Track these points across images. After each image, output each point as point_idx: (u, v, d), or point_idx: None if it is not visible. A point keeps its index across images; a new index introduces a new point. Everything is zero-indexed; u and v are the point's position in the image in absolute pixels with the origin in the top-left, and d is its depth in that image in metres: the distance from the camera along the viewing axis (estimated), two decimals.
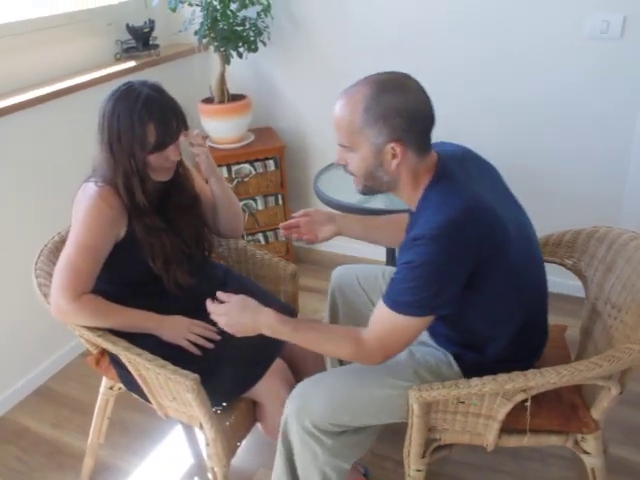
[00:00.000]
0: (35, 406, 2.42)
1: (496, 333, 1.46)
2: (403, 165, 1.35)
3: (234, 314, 1.45)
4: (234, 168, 2.93)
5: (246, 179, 2.96)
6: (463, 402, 1.45)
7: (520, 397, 1.40)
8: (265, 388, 1.65)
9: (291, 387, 1.62)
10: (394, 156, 1.33)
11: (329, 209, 2.24)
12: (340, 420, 1.49)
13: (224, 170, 2.91)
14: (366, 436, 1.58)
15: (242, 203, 2.99)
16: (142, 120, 1.50)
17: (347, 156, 1.40)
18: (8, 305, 2.34)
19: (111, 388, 1.88)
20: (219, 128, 2.92)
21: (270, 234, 3.12)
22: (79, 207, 1.57)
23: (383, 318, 1.36)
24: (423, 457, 1.54)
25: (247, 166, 2.95)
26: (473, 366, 1.49)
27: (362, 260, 3.19)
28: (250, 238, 3.10)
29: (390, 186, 1.41)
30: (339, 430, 1.51)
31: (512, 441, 1.52)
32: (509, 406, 1.41)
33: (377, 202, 2.18)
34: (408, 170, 1.36)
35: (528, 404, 1.42)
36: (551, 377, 1.33)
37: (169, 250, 1.63)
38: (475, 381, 1.37)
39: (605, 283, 1.63)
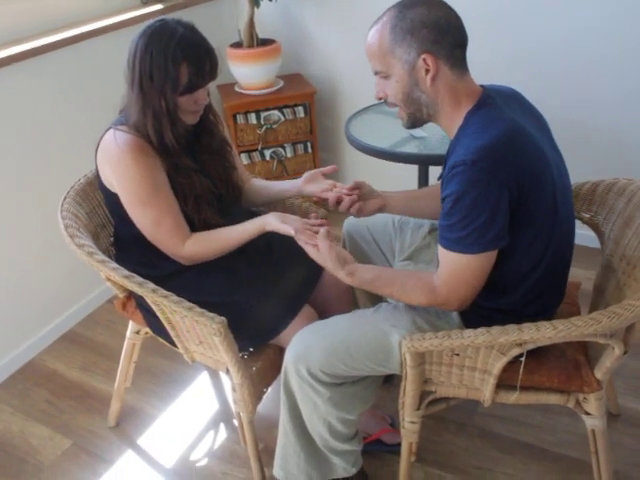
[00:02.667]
0: (63, 350, 2.43)
1: (517, 281, 1.37)
2: (439, 80, 1.29)
3: (328, 253, 1.39)
4: (263, 114, 2.85)
5: (275, 126, 2.88)
6: (458, 354, 1.39)
7: (516, 351, 1.33)
8: (291, 335, 1.61)
9: None
10: (427, 70, 1.28)
11: (360, 156, 2.17)
12: (335, 369, 1.44)
13: (252, 116, 2.84)
14: (364, 387, 1.54)
15: (271, 150, 2.93)
16: (176, 59, 1.43)
17: (384, 85, 1.36)
18: (35, 249, 2.33)
19: (137, 332, 1.86)
20: (248, 73, 2.83)
21: None
22: (117, 163, 1.50)
23: (444, 260, 1.30)
24: (418, 409, 1.50)
25: (276, 112, 2.87)
26: (476, 318, 1.40)
27: None
28: None
29: (430, 108, 1.34)
30: (337, 382, 1.47)
31: (509, 397, 1.45)
32: (504, 360, 1.34)
33: (410, 147, 2.09)
34: (445, 87, 1.30)
35: (523, 359, 1.35)
36: (547, 331, 1.24)
37: (199, 190, 1.58)
38: (468, 332, 1.30)
39: (622, 238, 1.52)
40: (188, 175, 1.56)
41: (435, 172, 2.29)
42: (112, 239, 1.78)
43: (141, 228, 1.55)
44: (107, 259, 1.54)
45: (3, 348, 2.31)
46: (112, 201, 1.58)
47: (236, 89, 2.92)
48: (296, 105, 2.89)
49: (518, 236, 1.28)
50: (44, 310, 2.44)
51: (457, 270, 1.29)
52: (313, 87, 2.95)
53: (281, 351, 1.67)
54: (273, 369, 1.69)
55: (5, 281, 2.26)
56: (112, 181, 1.54)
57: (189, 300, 1.52)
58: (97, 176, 1.60)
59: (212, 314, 1.45)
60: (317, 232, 1.43)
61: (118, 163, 1.50)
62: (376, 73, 1.36)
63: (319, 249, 1.40)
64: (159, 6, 2.67)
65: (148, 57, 1.43)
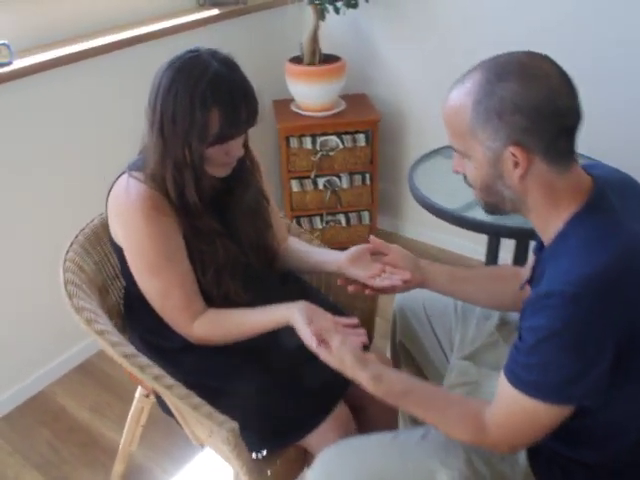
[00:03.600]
0: (76, 384, 2.22)
1: (610, 435, 1.06)
2: (530, 178, 0.98)
3: (342, 353, 1.13)
4: (319, 139, 2.57)
5: (332, 153, 2.60)
6: None
7: None
8: (319, 439, 1.33)
9: None
10: (516, 165, 0.97)
11: (421, 212, 1.85)
12: None
13: (308, 140, 2.56)
14: None
15: (325, 179, 2.65)
16: (205, 103, 1.16)
17: (462, 163, 1.07)
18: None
19: (147, 396, 1.63)
20: (307, 93, 2.55)
21: (353, 216, 2.77)
22: (125, 220, 1.26)
23: (507, 397, 1.01)
24: None
25: (334, 138, 2.58)
26: (550, 466, 1.11)
27: (454, 256, 2.80)
28: (330, 218, 2.76)
29: (515, 205, 1.05)
30: None
31: None
32: None
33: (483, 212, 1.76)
34: (539, 186, 0.99)
35: None
36: None
37: (222, 259, 1.31)
38: None
39: None
40: (210, 241, 1.30)
41: (508, 245, 2.00)
42: (123, 294, 1.53)
43: (147, 297, 1.30)
44: (108, 329, 1.29)
45: (15, 375, 2.13)
46: (121, 258, 1.33)
47: (292, 108, 2.65)
48: (357, 132, 2.60)
49: (617, 391, 0.98)
50: (60, 337, 2.23)
51: (520, 415, 1.00)
52: (378, 113, 2.65)
53: (304, 452, 1.40)
54: (293, 471, 1.42)
55: (21, 307, 2.07)
56: (120, 238, 1.29)
57: (199, 384, 1.29)
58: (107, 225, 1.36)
59: (222, 417, 1.19)
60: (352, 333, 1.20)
61: (127, 220, 1.25)
62: (453, 149, 1.06)
63: (331, 347, 1.13)
64: (215, 11, 2.42)
65: (172, 97, 1.17)
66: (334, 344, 1.13)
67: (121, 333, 1.46)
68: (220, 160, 1.24)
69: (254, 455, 1.31)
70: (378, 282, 1.32)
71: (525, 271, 1.32)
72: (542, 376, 0.95)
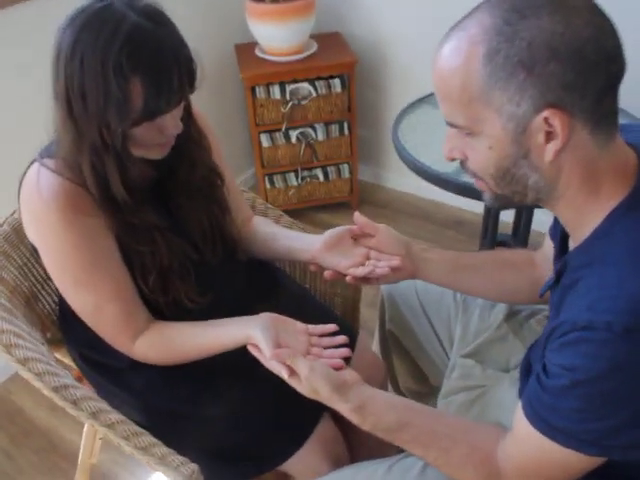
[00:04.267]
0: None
1: None
2: (567, 154, 0.72)
3: (313, 381, 0.89)
4: (289, 87, 2.27)
5: (304, 102, 2.31)
6: None
7: None
8: (299, 462, 1.13)
9: (336, 462, 1.12)
10: (549, 136, 0.71)
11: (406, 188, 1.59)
12: None
13: (276, 89, 2.26)
14: None
15: (298, 131, 2.37)
16: (121, 71, 0.87)
17: (463, 144, 0.80)
18: None
19: None
20: (272, 34, 2.23)
21: (331, 169, 2.51)
22: (39, 222, 1.00)
23: (527, 440, 0.79)
24: None
25: (306, 85, 2.28)
26: None
27: (448, 209, 2.56)
28: (306, 174, 2.50)
29: (542, 193, 0.78)
30: None
31: None
32: None
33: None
34: (577, 164, 0.74)
35: None
36: None
37: (166, 259, 1.05)
38: None
39: None
40: (149, 239, 1.04)
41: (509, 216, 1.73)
42: (58, 300, 1.28)
43: (78, 313, 1.05)
44: (31, 355, 1.04)
45: None
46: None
47: (257, 53, 2.33)
48: (332, 77, 2.29)
49: None
50: None
51: (545, 462, 0.79)
52: (354, 54, 2.33)
53: (285, 477, 1.19)
54: None
55: None
56: (36, 244, 1.03)
57: (156, 408, 1.09)
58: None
59: (180, 459, 0.97)
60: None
61: (40, 224, 0.99)
62: (451, 124, 0.80)
63: (299, 375, 0.90)
64: None
65: (77, 64, 0.88)
66: (301, 372, 0.89)
67: (56, 348, 1.23)
68: (152, 140, 0.97)
69: None
70: (360, 271, 1.08)
71: (540, 257, 1.08)
72: (576, 424, 0.73)
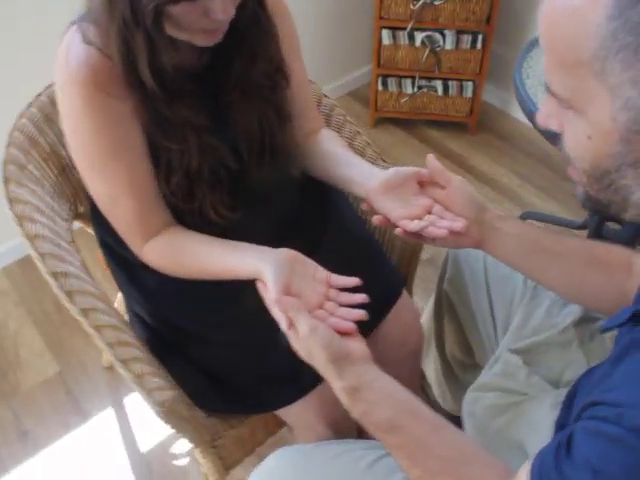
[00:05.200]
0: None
1: None
2: None
3: (311, 344, 0.77)
4: None
5: (438, 2, 2.01)
6: None
7: None
8: (294, 415, 1.04)
9: (333, 426, 1.02)
10: None
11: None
12: None
13: None
14: None
15: (424, 34, 2.10)
16: None
17: (561, 115, 0.60)
18: None
19: None
20: None
21: (453, 84, 2.23)
22: (62, 95, 0.88)
23: None
24: None
25: None
26: None
27: None
28: (424, 83, 2.24)
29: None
30: None
31: None
32: None
33: None
34: None
35: None
36: None
37: (196, 162, 0.92)
38: None
39: None
40: (181, 136, 0.90)
41: None
42: None
43: (95, 199, 0.96)
44: (41, 232, 0.97)
45: None
46: None
47: None
48: None
49: None
50: None
51: None
52: None
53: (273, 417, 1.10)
54: (259, 435, 1.14)
55: None
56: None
57: (160, 314, 1.05)
58: None
59: (157, 384, 0.90)
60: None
61: (63, 98, 0.88)
62: (549, 89, 0.58)
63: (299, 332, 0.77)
64: None
65: None
66: (301, 331, 0.76)
67: (88, 224, 1.16)
68: (194, 24, 0.80)
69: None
70: (414, 225, 0.89)
71: None
72: None
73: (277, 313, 0.79)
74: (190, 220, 0.97)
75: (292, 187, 1.10)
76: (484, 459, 0.71)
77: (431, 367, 1.38)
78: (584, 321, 0.98)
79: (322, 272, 0.86)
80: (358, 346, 0.78)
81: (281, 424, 1.14)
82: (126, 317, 1.14)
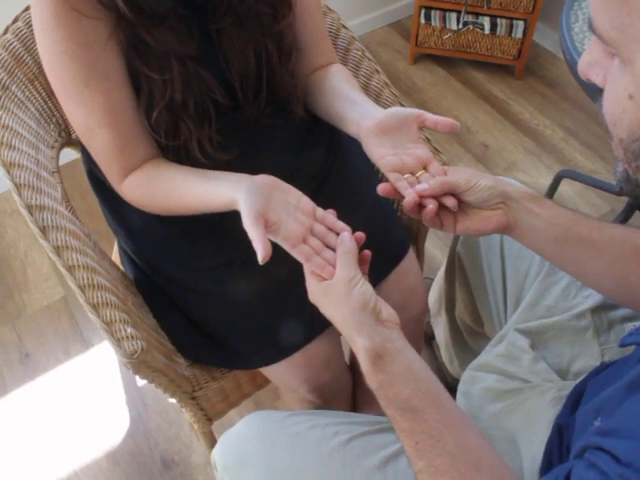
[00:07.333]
0: None
1: None
2: None
3: (327, 295, 0.71)
4: None
5: None
6: None
7: None
8: (276, 374, 0.98)
9: (316, 390, 0.96)
10: None
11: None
12: None
13: None
14: None
15: None
16: None
17: (607, 64, 0.48)
18: None
19: None
20: None
21: (502, 22, 2.05)
22: (34, 17, 0.78)
23: None
24: None
25: None
26: None
27: None
28: (470, 19, 2.06)
29: None
30: None
31: None
32: None
33: None
34: None
35: None
36: None
37: (179, 94, 0.82)
38: None
39: None
40: (164, 65, 0.80)
41: None
42: None
43: (74, 128, 0.88)
44: (19, 161, 0.90)
45: None
46: None
47: None
48: None
49: None
50: None
51: None
52: None
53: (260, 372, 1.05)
54: (247, 387, 1.09)
55: None
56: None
57: (145, 255, 1.00)
58: None
59: (128, 333, 0.83)
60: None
61: (34, 12, 0.78)
62: (597, 34, 0.46)
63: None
64: None
65: None
66: (342, 275, 0.69)
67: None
68: None
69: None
70: (408, 192, 0.75)
71: None
72: None
73: (259, 244, 0.68)
74: (173, 158, 0.88)
75: (295, 129, 1.00)
76: (498, 470, 0.62)
77: (440, 328, 1.30)
78: (603, 309, 0.87)
79: (307, 202, 0.76)
80: (388, 310, 0.69)
81: (268, 379, 1.08)
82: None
